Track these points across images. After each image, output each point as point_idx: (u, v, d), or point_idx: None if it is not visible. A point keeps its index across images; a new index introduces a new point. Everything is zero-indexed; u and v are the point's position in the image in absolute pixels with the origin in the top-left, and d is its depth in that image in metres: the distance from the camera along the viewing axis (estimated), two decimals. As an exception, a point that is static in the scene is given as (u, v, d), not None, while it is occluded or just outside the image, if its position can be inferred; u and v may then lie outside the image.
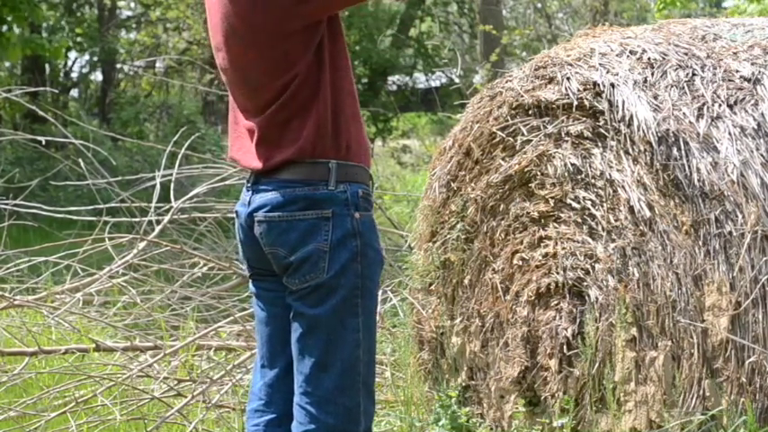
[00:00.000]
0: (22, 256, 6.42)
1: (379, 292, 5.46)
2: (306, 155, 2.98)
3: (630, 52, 4.02)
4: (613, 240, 3.85)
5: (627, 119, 3.79)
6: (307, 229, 2.97)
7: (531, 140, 4.09)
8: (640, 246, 3.77)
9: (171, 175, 6.27)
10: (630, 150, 3.79)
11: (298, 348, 3.05)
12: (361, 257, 3.00)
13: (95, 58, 19.92)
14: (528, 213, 4.13)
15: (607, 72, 3.92)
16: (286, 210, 2.99)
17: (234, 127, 3.15)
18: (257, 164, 3.05)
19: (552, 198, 4.04)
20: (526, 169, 4.12)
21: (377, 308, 3.12)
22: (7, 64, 17.54)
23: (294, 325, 3.05)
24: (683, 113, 3.75)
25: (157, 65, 21.87)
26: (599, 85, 3.89)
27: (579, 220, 3.98)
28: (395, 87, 21.65)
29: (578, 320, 3.97)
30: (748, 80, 3.86)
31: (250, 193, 3.08)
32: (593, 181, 3.92)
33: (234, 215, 3.21)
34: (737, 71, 3.89)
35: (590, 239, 3.94)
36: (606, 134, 3.88)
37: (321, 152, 2.99)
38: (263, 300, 3.18)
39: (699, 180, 3.62)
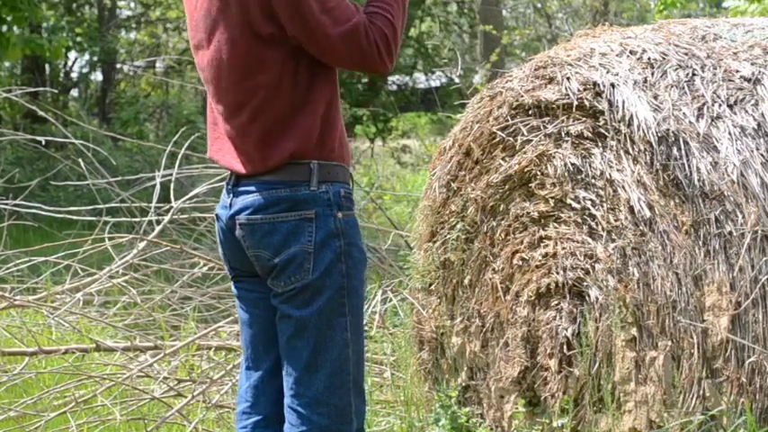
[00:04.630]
0: (22, 256, 6.42)
1: (379, 293, 5.47)
2: (288, 160, 2.98)
3: (630, 52, 4.03)
4: (613, 240, 3.85)
5: (627, 119, 3.79)
6: (290, 230, 2.97)
7: (531, 140, 4.09)
8: (640, 246, 3.77)
9: (171, 175, 6.27)
10: (630, 150, 3.79)
11: (286, 351, 3.04)
12: (345, 257, 3.00)
13: (95, 58, 19.90)
14: (528, 213, 4.13)
15: (607, 72, 3.92)
16: (269, 212, 2.98)
17: (213, 128, 3.14)
18: (238, 167, 3.04)
19: (552, 198, 4.04)
20: (526, 169, 4.12)
21: (363, 306, 3.13)
22: (7, 64, 17.54)
23: (281, 327, 3.05)
24: (683, 113, 3.75)
25: (157, 65, 21.86)
26: (599, 85, 3.89)
27: (579, 220, 3.98)
28: (395, 87, 21.63)
29: (578, 320, 3.97)
30: (748, 80, 3.86)
31: (231, 195, 3.07)
32: (593, 181, 3.92)
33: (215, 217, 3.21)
34: (737, 71, 3.89)
35: (590, 239, 3.94)
36: (606, 134, 3.88)
37: (302, 155, 2.99)
38: (245, 301, 3.18)
39: (699, 180, 3.62)
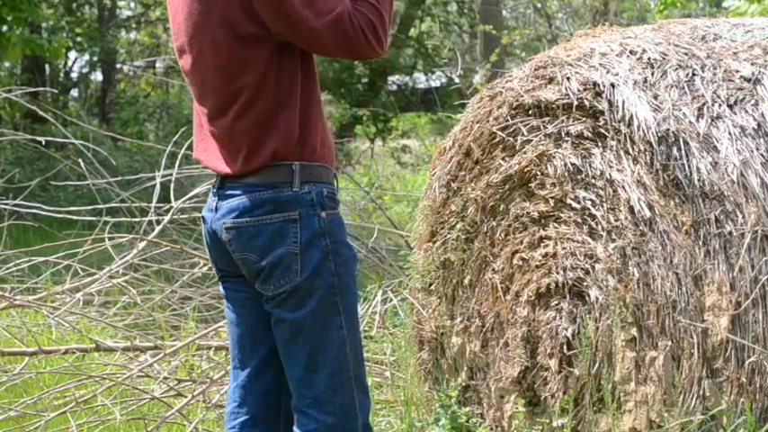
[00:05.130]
0: (22, 256, 6.42)
1: (380, 293, 5.47)
2: (270, 161, 3.00)
3: (630, 52, 4.03)
4: (613, 240, 3.86)
5: (627, 119, 3.79)
6: (275, 232, 2.98)
7: (531, 140, 4.09)
8: (640, 246, 3.77)
9: (171, 175, 6.27)
10: (630, 150, 3.79)
11: (284, 354, 3.07)
12: (333, 255, 3.01)
13: (95, 58, 19.91)
14: (528, 213, 4.13)
15: (607, 72, 3.92)
16: (253, 214, 3.00)
17: (199, 129, 3.16)
18: (222, 167, 3.06)
19: (552, 198, 4.04)
20: (526, 169, 4.12)
21: (357, 303, 3.14)
22: (7, 64, 17.53)
23: (277, 332, 3.06)
24: (683, 113, 3.75)
25: (157, 65, 21.87)
26: (599, 85, 3.89)
27: (579, 220, 3.98)
28: (395, 87, 21.64)
29: (578, 320, 3.97)
30: (748, 80, 3.86)
31: (216, 198, 3.08)
32: (593, 181, 3.92)
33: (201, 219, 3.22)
34: (737, 71, 3.89)
35: (590, 239, 3.94)
36: (606, 134, 3.88)
37: (284, 156, 3.00)
38: (232, 301, 3.20)
39: (699, 180, 3.62)
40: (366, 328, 5.34)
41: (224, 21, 2.96)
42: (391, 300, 5.52)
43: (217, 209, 3.07)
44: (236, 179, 3.04)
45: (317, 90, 3.08)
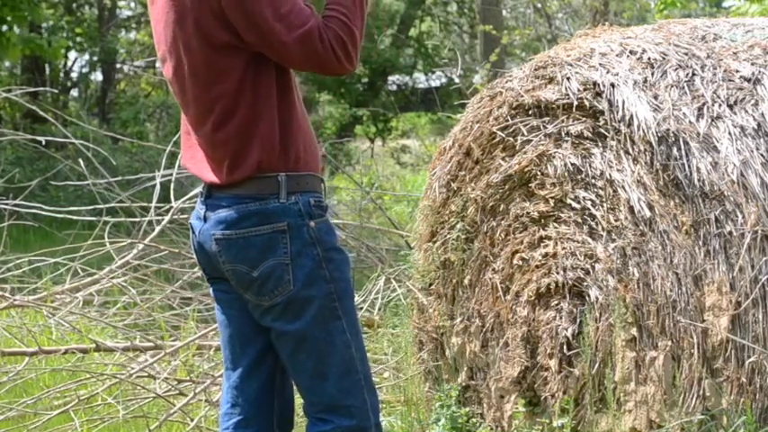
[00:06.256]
0: (22, 256, 6.42)
1: (382, 279, 5.48)
2: (255, 172, 2.99)
3: (630, 52, 4.03)
4: (613, 240, 3.86)
5: (627, 119, 3.79)
6: (264, 244, 2.98)
7: (531, 140, 4.09)
8: (640, 246, 3.78)
9: (171, 175, 6.27)
10: (630, 150, 3.80)
11: (291, 365, 3.08)
12: (326, 263, 3.01)
13: (95, 58, 19.91)
14: (528, 213, 4.13)
15: (607, 72, 3.92)
16: (241, 227, 3.00)
17: (186, 137, 3.16)
18: (208, 176, 3.06)
19: (552, 198, 4.04)
20: (526, 169, 4.12)
21: (355, 303, 3.15)
22: (7, 64, 17.54)
23: (280, 346, 3.07)
24: (683, 113, 3.75)
25: (157, 65, 21.87)
26: (599, 85, 3.89)
27: (579, 220, 3.98)
28: (395, 87, 21.65)
29: (578, 320, 3.97)
30: (748, 80, 3.86)
31: (204, 207, 3.08)
32: (593, 181, 3.92)
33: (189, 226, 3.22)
34: (737, 71, 3.89)
35: (590, 239, 3.94)
36: (606, 134, 3.88)
37: (269, 167, 3.00)
38: (221, 303, 3.21)
39: (699, 180, 3.62)
40: (366, 330, 5.35)
41: (197, 29, 2.96)
42: (395, 290, 5.52)
43: (205, 218, 3.07)
44: (222, 189, 3.04)
45: (295, 96, 3.07)
